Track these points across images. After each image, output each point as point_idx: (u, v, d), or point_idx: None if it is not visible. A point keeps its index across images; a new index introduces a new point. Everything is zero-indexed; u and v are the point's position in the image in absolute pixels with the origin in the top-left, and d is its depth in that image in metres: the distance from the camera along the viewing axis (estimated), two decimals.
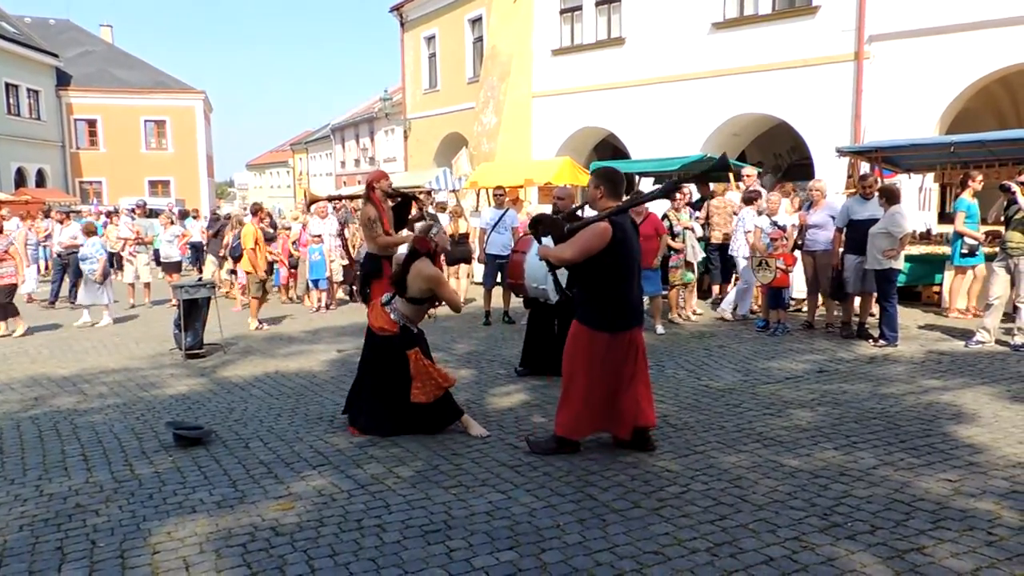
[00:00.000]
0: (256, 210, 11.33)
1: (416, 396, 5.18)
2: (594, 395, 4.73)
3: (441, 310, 6.32)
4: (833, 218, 8.76)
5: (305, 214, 10.81)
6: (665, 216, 9.69)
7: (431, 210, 13.24)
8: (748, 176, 11.18)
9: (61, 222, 14.97)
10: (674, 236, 9.56)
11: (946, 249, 10.91)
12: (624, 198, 5.10)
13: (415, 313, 5.37)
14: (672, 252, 9.56)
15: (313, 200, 9.71)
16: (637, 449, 4.86)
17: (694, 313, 10.15)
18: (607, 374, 4.70)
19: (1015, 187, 7.81)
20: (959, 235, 9.44)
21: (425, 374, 5.20)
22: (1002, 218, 8.14)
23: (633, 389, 4.77)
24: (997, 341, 7.97)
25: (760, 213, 9.47)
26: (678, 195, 9.85)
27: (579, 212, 5.80)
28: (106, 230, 17.20)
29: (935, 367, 7.12)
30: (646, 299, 9.20)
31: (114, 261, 18.09)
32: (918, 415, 5.56)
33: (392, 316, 5.31)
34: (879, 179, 9.70)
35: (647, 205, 9.16)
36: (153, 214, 17.89)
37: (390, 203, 7.02)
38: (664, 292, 9.77)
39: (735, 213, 10.69)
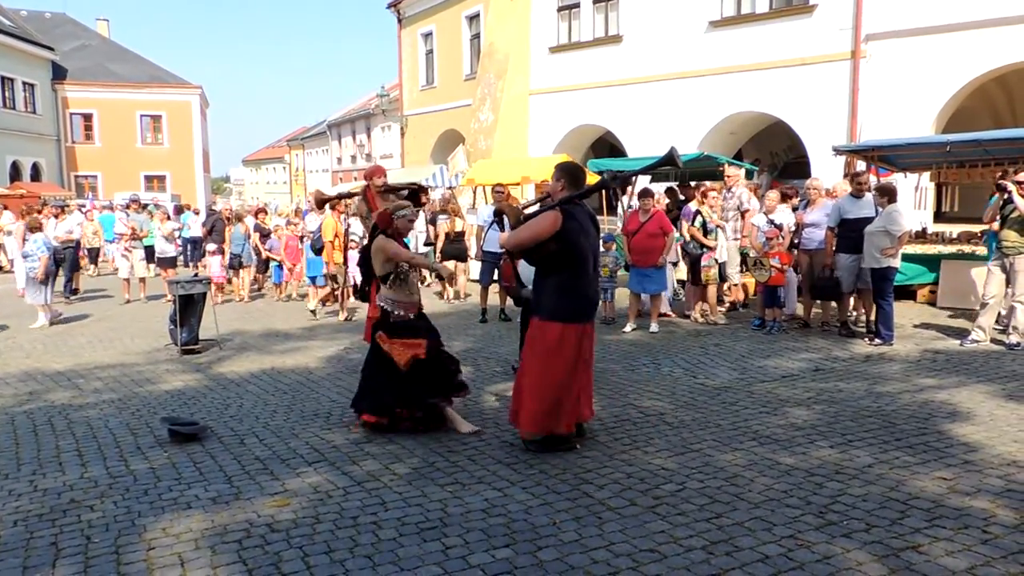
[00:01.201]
0: (334, 204, 11.22)
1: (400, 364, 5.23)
2: (564, 389, 4.77)
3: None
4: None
5: (319, 214, 10.80)
6: (698, 212, 9.48)
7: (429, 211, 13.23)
8: (729, 176, 11.01)
9: (56, 216, 14.89)
10: (707, 233, 9.38)
11: (942, 248, 10.95)
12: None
13: (396, 293, 5.33)
14: (705, 250, 9.37)
15: (323, 200, 9.56)
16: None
17: (703, 315, 9.70)
18: (566, 365, 4.76)
19: (1011, 186, 7.82)
20: (996, 233, 9.18)
21: (395, 351, 5.21)
22: (998, 217, 8.14)
23: (580, 384, 4.88)
24: (992, 340, 7.99)
25: (795, 210, 9.37)
26: (713, 192, 9.78)
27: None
28: (81, 226, 16.98)
29: (931, 366, 7.13)
30: (646, 297, 9.24)
31: (88, 255, 18.03)
32: (913, 413, 5.58)
33: (378, 302, 5.43)
34: (877, 178, 9.70)
35: (654, 202, 9.14)
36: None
37: (392, 198, 6.97)
38: (665, 290, 9.72)
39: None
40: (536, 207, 5.27)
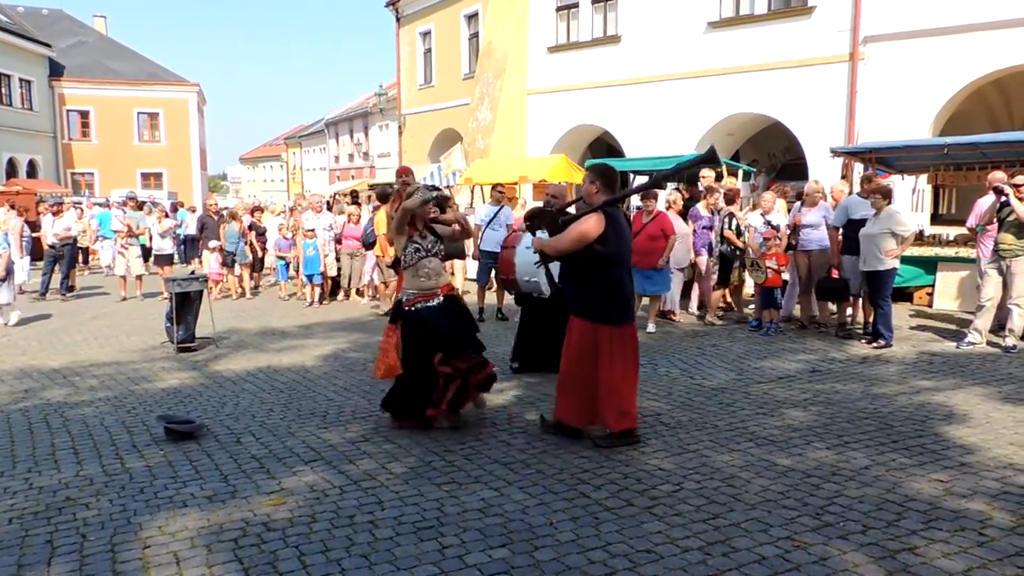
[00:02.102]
0: (387, 197, 11.10)
1: (375, 370, 5.19)
2: (630, 382, 4.94)
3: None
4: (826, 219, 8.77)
5: (317, 213, 10.71)
6: (731, 215, 9.45)
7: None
8: (704, 177, 10.89)
9: (56, 213, 14.85)
10: (739, 234, 9.34)
11: (938, 250, 10.97)
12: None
13: (407, 281, 5.34)
14: (737, 252, 9.35)
15: (386, 195, 9.39)
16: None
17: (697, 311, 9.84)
18: (615, 362, 4.86)
19: (1008, 189, 7.84)
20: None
21: (383, 351, 5.19)
22: (995, 220, 8.16)
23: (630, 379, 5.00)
24: (988, 342, 8.00)
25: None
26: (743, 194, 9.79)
27: (569, 209, 5.87)
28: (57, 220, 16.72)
29: (927, 368, 7.14)
30: (646, 299, 9.24)
31: (81, 254, 17.96)
32: (910, 415, 5.58)
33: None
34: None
35: (656, 204, 9.14)
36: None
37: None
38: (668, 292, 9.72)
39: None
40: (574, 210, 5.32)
